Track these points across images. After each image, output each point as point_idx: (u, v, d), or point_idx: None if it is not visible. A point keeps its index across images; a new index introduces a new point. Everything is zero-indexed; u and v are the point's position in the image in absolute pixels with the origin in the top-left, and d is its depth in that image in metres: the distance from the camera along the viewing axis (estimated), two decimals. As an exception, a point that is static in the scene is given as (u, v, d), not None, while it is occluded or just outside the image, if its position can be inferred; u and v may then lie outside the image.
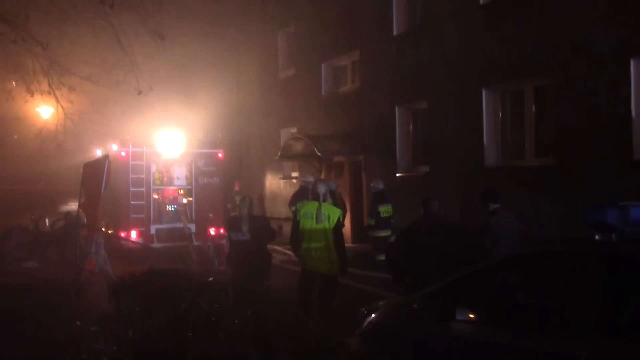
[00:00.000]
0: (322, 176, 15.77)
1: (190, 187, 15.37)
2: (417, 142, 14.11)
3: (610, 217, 3.84)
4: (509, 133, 11.58)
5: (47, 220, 18.10)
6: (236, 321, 4.68)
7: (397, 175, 14.05)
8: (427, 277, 5.35)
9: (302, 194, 13.26)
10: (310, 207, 7.18)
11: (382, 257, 12.05)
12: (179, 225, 14.82)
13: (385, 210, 12.15)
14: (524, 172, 10.84)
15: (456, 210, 11.36)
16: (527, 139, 11.04)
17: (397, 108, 14.22)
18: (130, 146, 14.65)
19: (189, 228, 14.77)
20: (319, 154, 14.79)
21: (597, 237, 3.92)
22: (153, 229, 14.67)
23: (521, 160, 11.13)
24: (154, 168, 15.10)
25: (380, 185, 12.51)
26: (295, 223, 7.24)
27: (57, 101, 14.63)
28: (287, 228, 14.17)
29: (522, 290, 4.44)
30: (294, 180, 18.77)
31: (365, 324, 5.30)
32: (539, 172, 10.50)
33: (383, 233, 12.14)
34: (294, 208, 14.13)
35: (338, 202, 10.41)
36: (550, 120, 10.42)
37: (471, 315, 4.29)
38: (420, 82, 13.28)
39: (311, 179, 13.62)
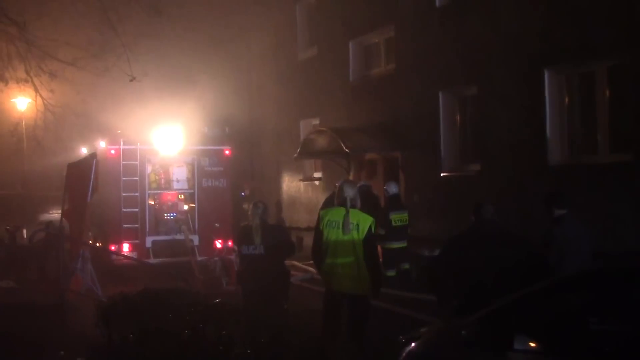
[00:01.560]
0: (351, 177, 15.78)
1: (192, 191, 15.48)
2: (465, 135, 14.04)
3: None
4: (577, 124, 11.47)
5: (24, 231, 18.39)
6: (248, 351, 4.71)
7: (442, 175, 13.99)
8: (479, 298, 5.32)
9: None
10: (335, 214, 7.18)
11: (392, 273, 12.27)
12: (180, 236, 14.93)
13: (398, 218, 12.44)
14: (596, 171, 10.72)
15: (514, 218, 11.26)
16: (600, 131, 10.91)
17: (440, 94, 14.17)
18: (122, 143, 14.80)
19: (192, 240, 14.87)
20: (347, 150, 14.79)
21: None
22: (149, 241, 14.80)
23: (593, 156, 11.01)
24: (149, 169, 15.24)
25: (393, 189, 12.74)
26: (318, 234, 7.25)
27: (36, 90, 14.87)
28: (308, 240, 14.22)
29: (595, 314, 4.40)
30: (317, 182, 18.81)
31: (404, 355, 5.29)
32: (615, 171, 10.37)
33: (395, 244, 12.46)
34: None
35: (370, 206, 10.46)
36: (628, 107, 10.28)
37: (532, 344, 4.26)
38: (469, 63, 13.22)
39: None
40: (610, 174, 10.45)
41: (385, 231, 12.31)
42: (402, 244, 12.51)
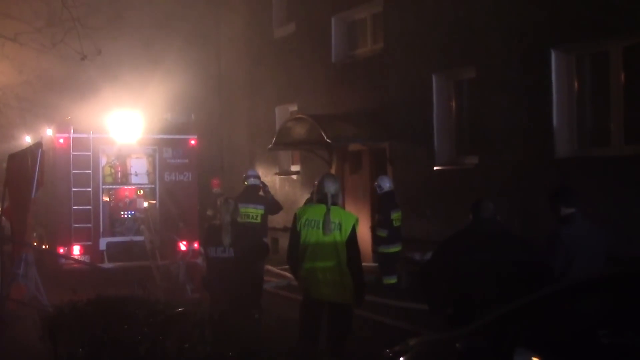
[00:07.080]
0: (333, 170, 15.79)
1: (153, 186, 15.48)
2: (462, 123, 14.10)
3: None
4: (588, 111, 11.54)
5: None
6: (214, 366, 4.71)
7: (435, 169, 14.03)
8: (476, 307, 5.35)
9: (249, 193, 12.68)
10: (314, 212, 7.16)
11: (393, 280, 12.29)
12: (138, 238, 14.89)
13: (397, 217, 12.55)
14: (608, 164, 10.80)
15: (516, 217, 11.32)
16: (614, 119, 10.98)
17: (434, 77, 14.20)
18: (72, 131, 14.71)
19: (152, 242, 14.82)
20: (329, 140, 14.80)
21: None
22: (103, 243, 14.76)
23: (605, 148, 11.09)
24: (104, 161, 15.19)
25: (387, 184, 12.73)
26: (295, 234, 7.23)
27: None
28: (284, 241, 14.21)
29: (605, 325, 4.42)
30: (294, 177, 18.80)
31: (391, 370, 5.30)
32: (630, 164, 10.44)
33: (395, 248, 12.60)
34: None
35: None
36: (645, 93, 10.38)
37: (535, 359, 4.27)
38: (467, 42, 13.25)
39: (255, 172, 13.22)
40: (624, 167, 10.52)
41: (388, 233, 12.33)
42: (398, 248, 12.59)
